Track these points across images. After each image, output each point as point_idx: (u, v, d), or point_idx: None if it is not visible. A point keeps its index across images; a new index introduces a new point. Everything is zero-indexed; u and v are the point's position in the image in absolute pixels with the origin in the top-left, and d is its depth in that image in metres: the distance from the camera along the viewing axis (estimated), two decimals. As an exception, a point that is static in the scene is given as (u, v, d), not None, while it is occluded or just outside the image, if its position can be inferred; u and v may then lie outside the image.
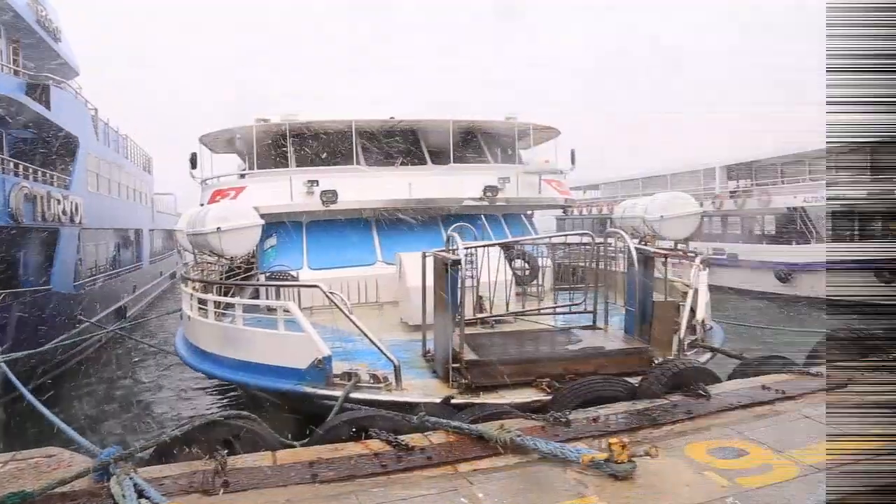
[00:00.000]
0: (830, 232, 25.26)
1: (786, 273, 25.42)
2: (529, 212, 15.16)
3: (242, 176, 14.58)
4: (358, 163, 13.50)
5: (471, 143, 14.98)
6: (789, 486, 3.96)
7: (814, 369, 6.58)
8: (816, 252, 24.73)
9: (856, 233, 24.42)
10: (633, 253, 7.72)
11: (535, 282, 11.30)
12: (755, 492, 3.88)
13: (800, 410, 5.35)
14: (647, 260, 7.98)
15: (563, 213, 28.54)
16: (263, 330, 7.46)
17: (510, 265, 10.64)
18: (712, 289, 26.56)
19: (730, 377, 6.84)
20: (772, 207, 27.44)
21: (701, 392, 5.65)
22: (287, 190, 12.40)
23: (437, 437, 4.96)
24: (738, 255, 28.19)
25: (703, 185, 32.86)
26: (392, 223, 13.00)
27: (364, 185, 12.81)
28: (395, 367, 6.53)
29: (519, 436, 4.56)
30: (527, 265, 11.80)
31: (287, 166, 13.67)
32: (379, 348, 6.68)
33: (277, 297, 9.49)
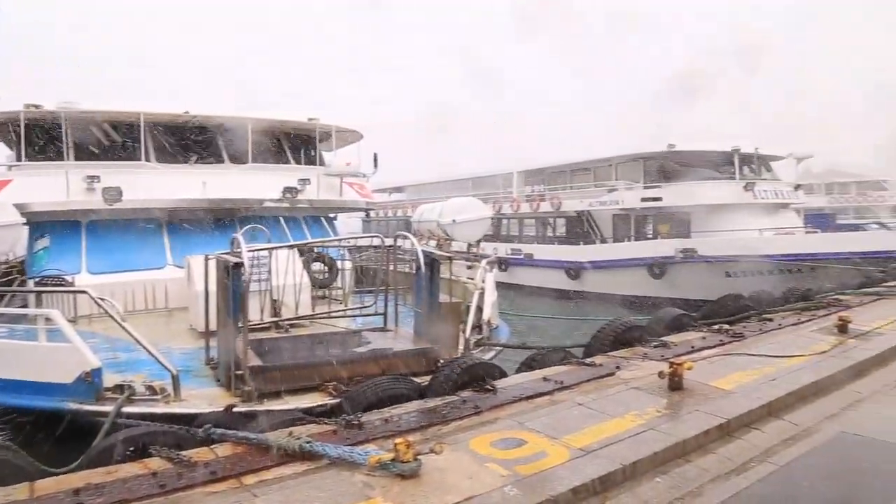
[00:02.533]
0: (613, 233, 27.98)
1: (575, 271, 27.60)
2: (332, 214, 15.06)
3: (10, 168, 12.97)
4: (147, 159, 12.56)
5: (271, 142, 14.57)
6: (561, 470, 4.25)
7: (589, 359, 7.17)
8: (600, 251, 27.20)
9: (632, 234, 27.36)
10: (420, 256, 7.95)
11: (335, 284, 11.26)
12: (530, 478, 4.11)
13: (574, 399, 5.78)
14: (433, 262, 8.24)
15: (367, 215, 28.78)
16: (18, 342, 6.64)
17: (309, 267, 10.50)
18: (512, 287, 28.28)
19: (516, 371, 7.25)
20: (562, 210, 29.69)
21: (488, 387, 5.91)
22: (62, 185, 11.23)
23: (224, 450, 4.71)
24: (534, 255, 30.15)
25: (503, 189, 34.78)
26: (185, 224, 12.27)
27: (153, 183, 11.97)
28: (172, 376, 6.13)
29: (308, 442, 4.47)
30: (326, 267, 11.72)
31: (63, 159, 12.36)
32: (154, 357, 6.23)
33: (39, 304, 8.48)
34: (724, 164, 25.10)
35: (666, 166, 25.60)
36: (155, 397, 6.06)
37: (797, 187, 26.67)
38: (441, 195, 31.69)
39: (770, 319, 9.80)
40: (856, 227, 28.80)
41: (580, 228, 29.01)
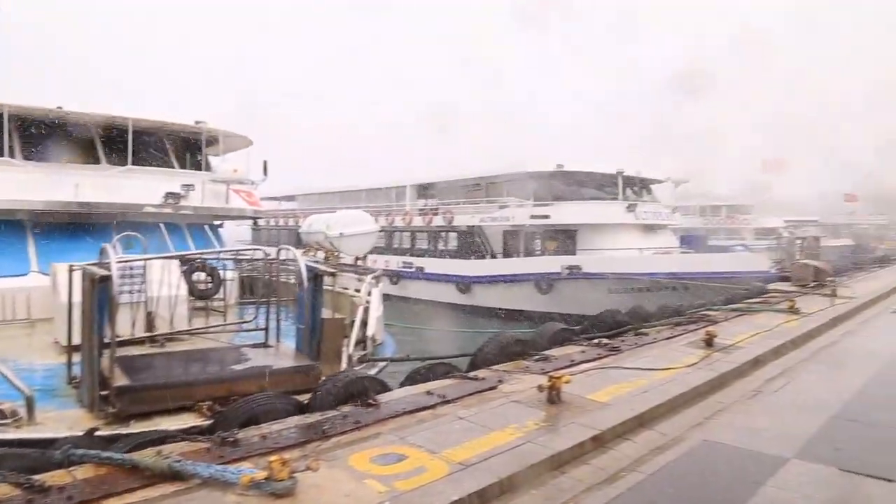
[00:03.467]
0: (502, 248, 28.61)
1: (465, 285, 28.00)
2: (217, 222, 14.54)
3: None
4: (12, 155, 11.66)
5: (154, 145, 13.87)
6: (439, 484, 4.26)
7: (472, 373, 7.26)
8: (490, 266, 27.73)
9: (521, 250, 28.07)
10: (304, 270, 7.80)
11: (218, 296, 10.83)
12: (408, 493, 4.09)
13: (456, 413, 5.82)
14: (316, 277, 8.10)
15: (255, 224, 28.03)
16: None
17: (190, 278, 10.06)
18: (404, 300, 28.22)
19: (401, 385, 7.23)
20: (454, 225, 30.08)
21: (371, 402, 5.85)
22: None
23: (84, 472, 4.38)
24: (426, 268, 30.35)
25: (396, 202, 34.85)
26: (55, 228, 11.46)
27: (18, 182, 11.10)
28: (26, 397, 5.66)
29: (178, 461, 4.25)
30: (209, 278, 11.28)
31: None
32: (4, 375, 5.74)
33: None
34: (609, 185, 26.32)
35: (554, 185, 26.54)
36: (3, 421, 5.57)
37: (674, 209, 28.35)
38: (333, 206, 31.41)
39: (646, 334, 10.30)
40: (724, 249, 30.93)
41: (471, 243, 29.49)
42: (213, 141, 14.52)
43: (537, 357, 8.12)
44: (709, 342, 9.16)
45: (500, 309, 26.04)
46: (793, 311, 12.64)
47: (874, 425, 6.40)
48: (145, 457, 4.33)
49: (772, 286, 17.74)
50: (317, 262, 11.40)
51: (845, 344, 10.72)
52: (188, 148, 14.56)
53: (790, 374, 8.51)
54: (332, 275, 9.23)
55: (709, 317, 12.12)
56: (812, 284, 17.65)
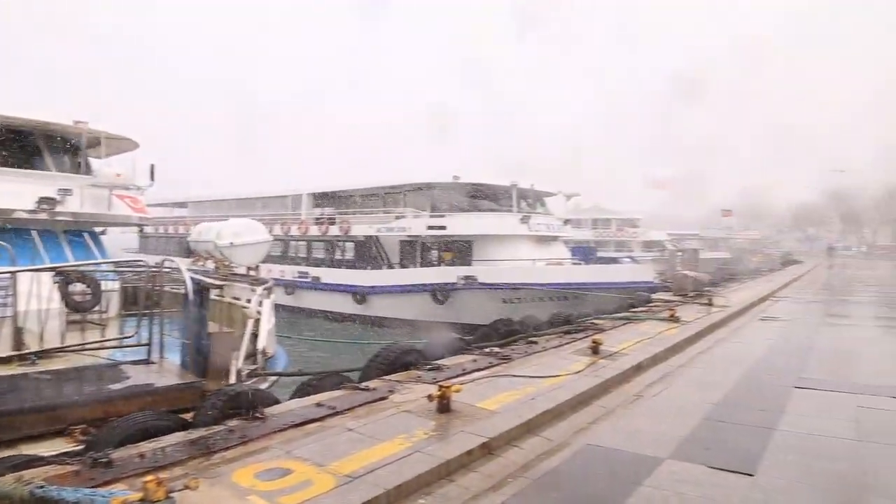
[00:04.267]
0: (399, 259, 28.63)
1: (362, 295, 27.79)
2: (99, 229, 13.74)
3: None
4: None
5: (27, 145, 12.94)
6: (325, 498, 4.20)
7: (364, 384, 7.22)
8: (387, 276, 27.69)
9: (418, 260, 28.20)
10: (189, 283, 7.52)
11: (97, 308, 10.22)
12: (293, 510, 4.02)
13: (345, 424, 5.77)
14: (202, 290, 7.82)
15: (142, 231, 26.79)
16: None
17: (66, 289, 9.44)
18: (299, 310, 27.63)
19: (291, 397, 7.08)
20: (351, 235, 29.84)
21: (258, 415, 5.70)
22: None
23: (-69, 506, 4.03)
24: (322, 279, 29.91)
25: (292, 211, 34.18)
26: None
27: None
28: None
29: (41, 486, 3.97)
30: (88, 289, 10.63)
31: None
32: None
33: None
34: (504, 197, 26.93)
35: (451, 196, 26.89)
36: None
37: (566, 222, 29.35)
38: (226, 214, 30.46)
39: (536, 342, 10.58)
40: (613, 260, 32.33)
41: (368, 253, 29.36)
42: (94, 143, 13.70)
43: (430, 367, 8.17)
44: (595, 349, 9.54)
45: (396, 319, 26.04)
46: (673, 319, 13.38)
47: (739, 425, 6.85)
48: (4, 484, 4.02)
49: (656, 296, 18.70)
50: (206, 272, 11.01)
51: (718, 350, 11.43)
52: (66, 150, 13.67)
53: (669, 379, 8.99)
54: (219, 287, 8.90)
55: (597, 325, 12.62)
56: (691, 294, 18.74)
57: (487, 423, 5.97)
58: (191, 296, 7.44)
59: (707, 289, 19.74)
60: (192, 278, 7.64)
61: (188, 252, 15.47)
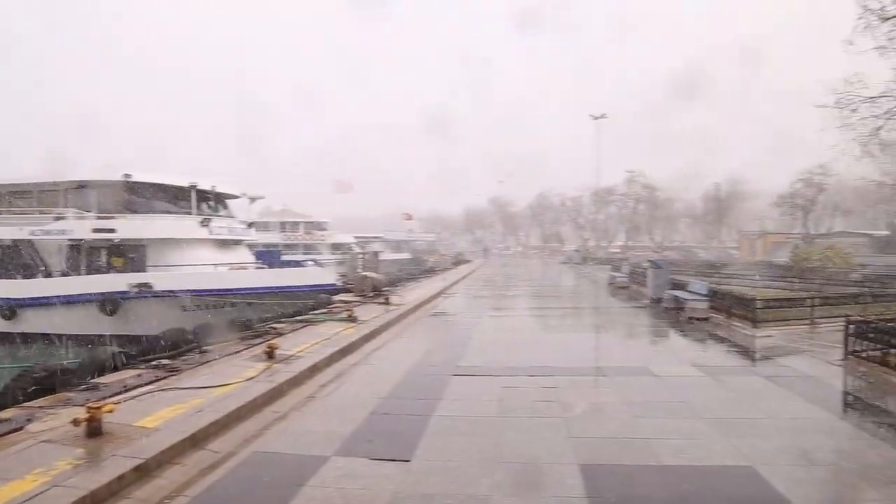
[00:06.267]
0: (61, 265, 25.20)
1: (10, 309, 23.92)
2: None
3: None
4: None
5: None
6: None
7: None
8: (43, 286, 24.21)
9: (83, 267, 25.15)
10: None
11: None
12: None
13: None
14: None
15: None
16: None
17: None
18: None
19: None
20: (-5, 238, 25.50)
21: None
22: None
23: None
24: (-47, 292, 25.03)
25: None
26: None
27: None
28: None
29: None
30: None
31: None
32: None
33: None
34: (184, 198, 25.34)
35: (122, 197, 24.49)
36: None
37: (250, 225, 28.66)
38: None
39: (210, 351, 10.17)
40: (298, 264, 32.33)
41: (19, 260, 25.35)
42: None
43: (85, 387, 7.38)
44: (271, 354, 9.48)
45: (56, 335, 22.86)
46: (351, 319, 13.91)
47: (401, 415, 7.39)
48: None
49: (337, 297, 19.25)
50: None
51: (391, 346, 12.20)
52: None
53: (343, 378, 9.33)
54: None
55: (276, 329, 12.56)
56: (371, 294, 19.70)
57: (146, 443, 5.56)
58: None
59: (386, 289, 20.90)
60: None
61: None
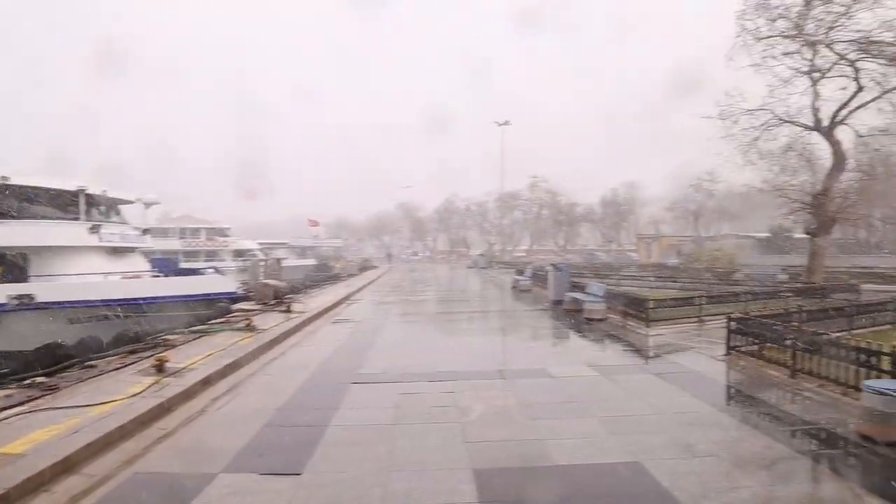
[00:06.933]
0: None
1: None
2: None
3: None
4: None
5: None
6: None
7: None
8: None
9: None
10: None
11: None
12: None
13: None
14: None
15: None
16: None
17: None
18: None
19: None
20: None
21: None
22: None
23: None
24: None
25: None
26: None
27: None
28: None
29: None
30: None
31: None
32: None
33: None
34: (72, 203, 23.88)
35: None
36: None
37: (145, 231, 27.36)
38: None
39: (94, 366, 9.62)
40: (195, 271, 31.06)
41: None
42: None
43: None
44: (160, 368, 9.05)
45: None
46: (249, 328, 13.50)
47: (296, 426, 7.21)
48: None
49: (237, 306, 18.66)
50: None
51: (290, 355, 11.91)
52: None
53: (237, 389, 9.02)
54: None
55: (169, 341, 12.01)
56: (272, 302, 19.20)
57: (9, 471, 5.15)
58: None
59: (288, 296, 20.43)
60: None
61: None
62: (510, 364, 11.59)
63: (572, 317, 17.25)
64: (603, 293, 17.22)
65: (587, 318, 16.18)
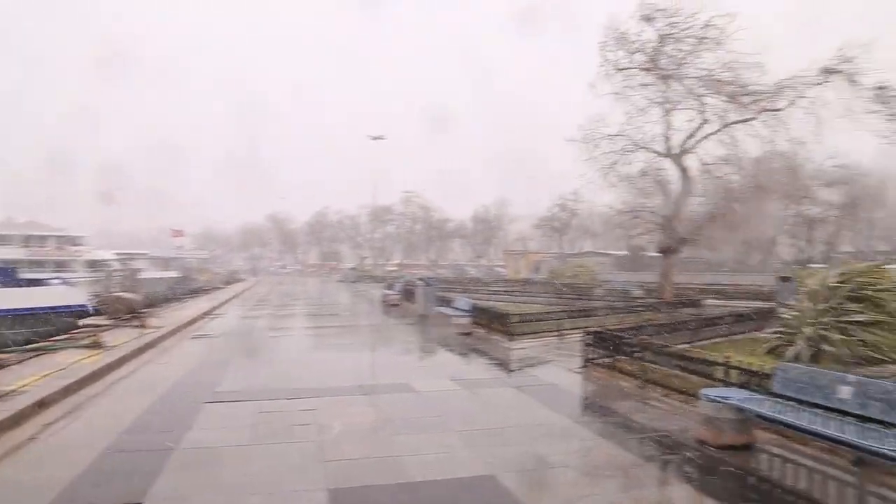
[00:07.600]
0: None
1: None
2: None
3: None
4: None
5: None
6: None
7: None
8: None
9: None
10: None
11: None
12: None
13: None
14: None
15: None
16: None
17: None
18: None
19: None
20: None
21: None
22: None
23: None
24: None
25: None
26: None
27: None
28: None
29: None
30: None
31: None
32: None
33: None
34: None
35: None
36: None
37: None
38: None
39: None
40: (39, 282, 28.63)
41: None
42: None
43: None
44: (-15, 391, 8.20)
45: None
46: (96, 345, 12.58)
47: (140, 451, 6.73)
48: None
49: (85, 321, 17.34)
50: None
51: (141, 373, 11.19)
52: None
53: (77, 413, 8.34)
54: None
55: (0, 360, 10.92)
56: (126, 317, 18.02)
57: None
58: None
59: (144, 310, 19.26)
60: None
61: None
62: (375, 379, 11.49)
63: (439, 331, 17.42)
64: (469, 308, 17.53)
65: (455, 332, 16.40)
